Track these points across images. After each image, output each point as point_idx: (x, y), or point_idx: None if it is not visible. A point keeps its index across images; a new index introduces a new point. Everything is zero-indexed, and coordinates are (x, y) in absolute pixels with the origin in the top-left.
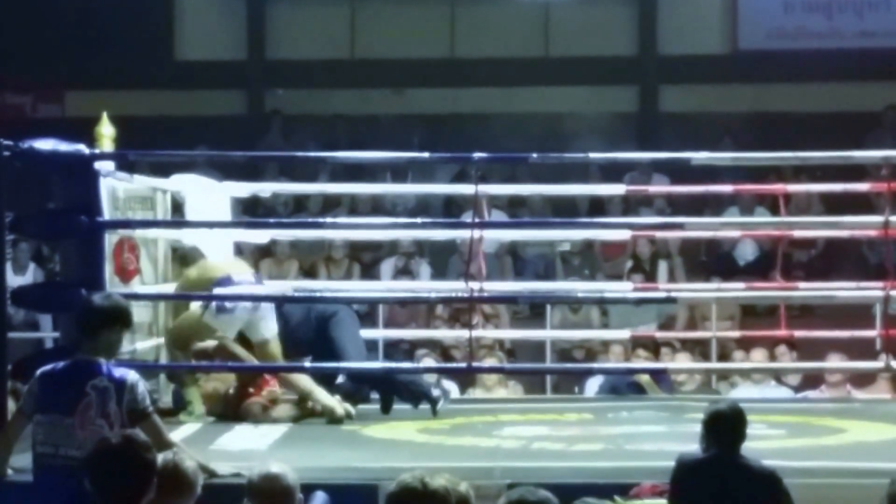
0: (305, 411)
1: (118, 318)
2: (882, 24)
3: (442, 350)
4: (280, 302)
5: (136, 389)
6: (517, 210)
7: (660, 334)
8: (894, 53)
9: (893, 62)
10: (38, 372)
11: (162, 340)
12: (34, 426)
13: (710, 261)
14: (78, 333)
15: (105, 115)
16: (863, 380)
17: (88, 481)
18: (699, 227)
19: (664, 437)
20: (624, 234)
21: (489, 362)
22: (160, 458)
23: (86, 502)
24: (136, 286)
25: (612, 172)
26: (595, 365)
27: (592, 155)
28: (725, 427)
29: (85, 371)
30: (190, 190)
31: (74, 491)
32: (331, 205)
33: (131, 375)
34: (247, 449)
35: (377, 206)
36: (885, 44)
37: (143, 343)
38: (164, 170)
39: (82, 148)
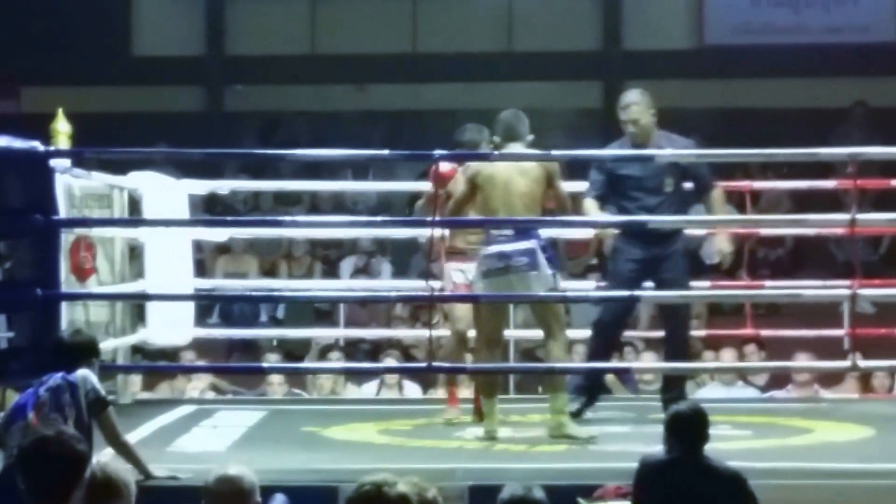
0: None
1: (92, 353)
2: (849, 18)
3: (402, 350)
4: (230, 301)
5: (88, 381)
6: None
7: (626, 333)
8: (861, 48)
9: (861, 57)
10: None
11: (119, 341)
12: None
13: None
14: (51, 369)
15: (61, 112)
16: (830, 379)
17: (20, 476)
18: (665, 224)
19: (629, 438)
20: (588, 233)
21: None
22: (88, 469)
23: None
24: (93, 285)
25: (576, 169)
26: (558, 364)
27: (556, 152)
28: (686, 428)
29: (41, 382)
30: (147, 188)
31: None
32: (291, 202)
33: (81, 371)
34: (204, 451)
35: (339, 203)
36: (853, 39)
37: (100, 344)
38: (121, 167)
39: (38, 145)
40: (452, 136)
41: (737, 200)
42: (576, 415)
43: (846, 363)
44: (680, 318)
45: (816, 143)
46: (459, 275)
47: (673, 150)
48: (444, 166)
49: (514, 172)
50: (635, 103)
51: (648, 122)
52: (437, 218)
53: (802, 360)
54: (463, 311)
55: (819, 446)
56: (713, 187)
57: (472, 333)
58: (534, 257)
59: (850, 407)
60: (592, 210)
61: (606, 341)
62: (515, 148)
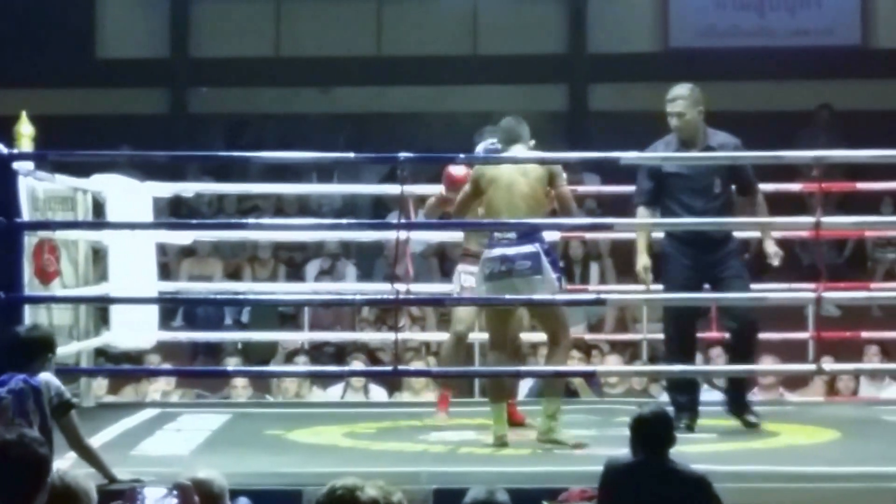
0: None
1: (48, 348)
2: (814, 21)
3: (368, 353)
4: (194, 304)
5: (51, 385)
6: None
7: (590, 336)
8: (826, 51)
9: (825, 60)
10: None
11: (83, 344)
12: None
13: None
14: (8, 365)
15: (24, 114)
16: (796, 382)
17: None
18: (629, 228)
19: (594, 441)
20: (553, 236)
21: (416, 365)
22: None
23: None
24: (57, 288)
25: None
26: (523, 368)
27: (520, 155)
28: (650, 431)
29: (1, 382)
30: (111, 190)
31: None
32: (255, 205)
33: (44, 374)
34: (169, 454)
35: (303, 206)
36: (818, 42)
37: (63, 347)
38: (85, 170)
39: (0, 147)
40: (417, 139)
41: None
42: (690, 429)
43: (811, 366)
44: (748, 320)
45: (781, 147)
46: (469, 278)
47: (723, 151)
48: (458, 170)
49: (517, 173)
50: (682, 97)
51: (694, 117)
52: (403, 220)
53: (768, 364)
54: (464, 313)
55: (784, 449)
56: (756, 191)
57: (472, 335)
58: (537, 261)
59: (815, 410)
60: (645, 218)
61: (684, 346)
62: (517, 150)
